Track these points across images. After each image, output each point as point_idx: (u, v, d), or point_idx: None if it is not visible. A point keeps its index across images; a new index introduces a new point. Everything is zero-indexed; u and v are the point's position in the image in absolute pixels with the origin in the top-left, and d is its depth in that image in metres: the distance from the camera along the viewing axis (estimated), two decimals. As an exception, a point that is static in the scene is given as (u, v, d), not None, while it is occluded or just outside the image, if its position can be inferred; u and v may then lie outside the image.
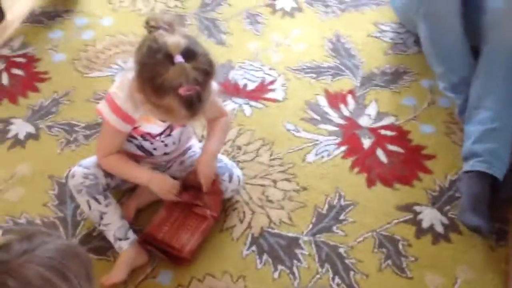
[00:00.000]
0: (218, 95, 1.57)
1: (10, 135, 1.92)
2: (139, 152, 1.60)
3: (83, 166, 1.54)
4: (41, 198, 1.73)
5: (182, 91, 1.29)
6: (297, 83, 2.06)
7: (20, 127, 1.94)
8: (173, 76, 1.29)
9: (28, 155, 1.86)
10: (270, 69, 2.11)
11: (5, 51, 2.21)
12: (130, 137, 1.54)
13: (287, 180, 1.77)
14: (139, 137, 1.54)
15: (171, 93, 1.30)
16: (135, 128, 1.50)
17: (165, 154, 1.63)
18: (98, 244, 1.60)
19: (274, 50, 2.19)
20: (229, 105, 1.98)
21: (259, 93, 2.03)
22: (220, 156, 1.66)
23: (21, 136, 1.91)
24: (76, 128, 1.92)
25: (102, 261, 1.58)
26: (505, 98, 1.70)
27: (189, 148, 1.71)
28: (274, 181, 1.76)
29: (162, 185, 1.54)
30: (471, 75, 1.81)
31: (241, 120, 1.94)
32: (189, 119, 1.38)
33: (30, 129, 1.93)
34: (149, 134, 1.53)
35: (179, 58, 1.29)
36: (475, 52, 1.83)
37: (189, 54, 1.31)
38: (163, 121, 1.48)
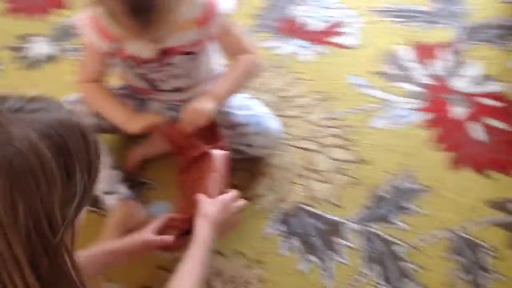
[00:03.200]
0: (237, 26, 1.31)
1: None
2: (142, 84, 1.38)
3: (68, 102, 1.36)
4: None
5: None
6: (377, 27, 1.85)
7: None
8: None
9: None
10: (345, 7, 1.91)
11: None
12: (123, 61, 1.33)
13: (342, 147, 1.51)
14: (127, 60, 1.32)
15: None
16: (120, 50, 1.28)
17: (177, 90, 1.37)
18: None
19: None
20: (283, 48, 1.77)
21: (324, 35, 1.83)
22: (251, 102, 1.42)
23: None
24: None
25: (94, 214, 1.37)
26: None
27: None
28: (324, 147, 1.50)
29: (141, 121, 1.31)
30: None
31: (294, 66, 1.74)
32: (141, 33, 1.12)
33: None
34: (132, 56, 1.29)
35: None
36: None
37: None
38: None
